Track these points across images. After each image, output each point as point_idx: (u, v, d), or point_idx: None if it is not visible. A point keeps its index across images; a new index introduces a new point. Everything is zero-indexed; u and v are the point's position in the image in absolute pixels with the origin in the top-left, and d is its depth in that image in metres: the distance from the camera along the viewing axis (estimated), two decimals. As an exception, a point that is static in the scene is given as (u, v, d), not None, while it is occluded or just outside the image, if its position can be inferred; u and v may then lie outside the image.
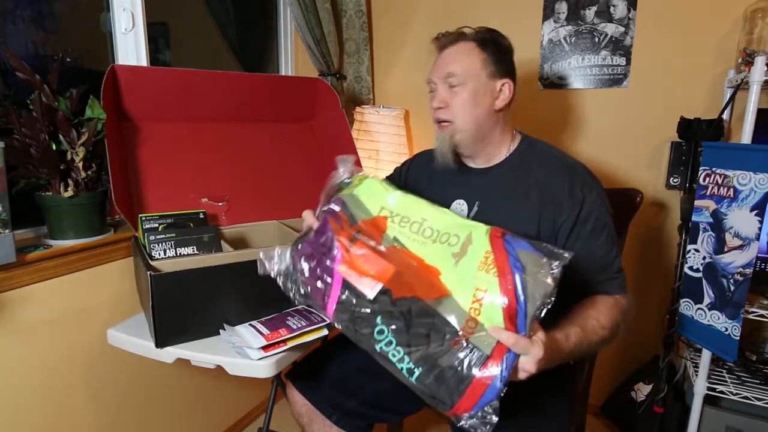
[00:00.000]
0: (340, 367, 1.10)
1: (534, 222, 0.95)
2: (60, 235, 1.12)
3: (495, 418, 0.67)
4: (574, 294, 0.97)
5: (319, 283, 0.77)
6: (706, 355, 1.35)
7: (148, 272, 0.89)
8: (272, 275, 0.81)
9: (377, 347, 0.72)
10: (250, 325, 0.99)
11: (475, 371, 0.67)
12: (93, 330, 1.19)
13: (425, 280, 0.72)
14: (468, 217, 1.03)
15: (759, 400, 1.31)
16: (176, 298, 0.93)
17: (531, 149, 1.04)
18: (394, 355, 0.71)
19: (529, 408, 0.92)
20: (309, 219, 0.86)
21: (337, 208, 0.82)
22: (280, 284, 0.81)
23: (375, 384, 1.06)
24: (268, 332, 0.94)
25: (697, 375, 1.38)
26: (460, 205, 1.05)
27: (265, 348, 0.91)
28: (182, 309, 0.95)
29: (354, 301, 0.74)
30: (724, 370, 1.44)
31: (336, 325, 0.77)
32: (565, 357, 0.79)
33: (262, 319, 1.02)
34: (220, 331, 0.99)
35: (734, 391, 1.34)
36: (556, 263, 0.69)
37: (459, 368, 0.68)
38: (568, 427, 0.98)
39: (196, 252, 1.09)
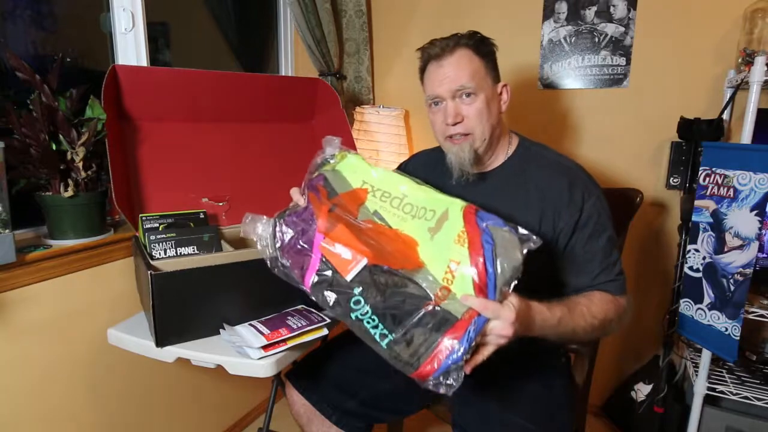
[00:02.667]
0: (340, 368, 1.10)
1: (535, 227, 0.95)
2: (60, 235, 1.12)
3: (457, 382, 0.69)
4: (573, 293, 0.97)
5: (297, 256, 0.80)
6: (706, 355, 1.35)
7: (149, 272, 0.89)
8: (254, 238, 0.84)
9: (352, 315, 0.75)
10: (250, 324, 0.99)
11: (442, 334, 0.70)
12: (93, 330, 1.19)
13: (402, 252, 0.75)
14: None
15: (759, 400, 1.31)
16: (176, 298, 0.93)
17: (528, 152, 1.03)
18: (368, 323, 0.74)
19: (529, 408, 0.92)
20: (295, 196, 0.88)
21: (318, 183, 0.84)
22: (259, 248, 0.83)
23: (374, 384, 1.06)
24: (268, 332, 0.94)
25: (697, 375, 1.38)
26: None
27: (265, 348, 0.91)
28: (182, 309, 0.95)
29: (330, 273, 0.77)
30: (724, 370, 1.44)
31: (311, 297, 0.79)
32: (547, 328, 0.81)
33: (262, 318, 1.02)
34: (220, 330, 0.99)
35: (734, 391, 1.34)
36: (527, 243, 0.73)
37: (427, 332, 0.71)
38: (569, 427, 0.98)
39: (196, 252, 1.09)
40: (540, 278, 0.97)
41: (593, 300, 0.90)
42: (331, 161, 0.88)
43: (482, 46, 0.97)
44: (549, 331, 0.82)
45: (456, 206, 0.78)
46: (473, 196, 1.02)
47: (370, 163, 0.87)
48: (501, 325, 0.71)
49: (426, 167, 1.14)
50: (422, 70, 1.01)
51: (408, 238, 0.77)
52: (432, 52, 0.97)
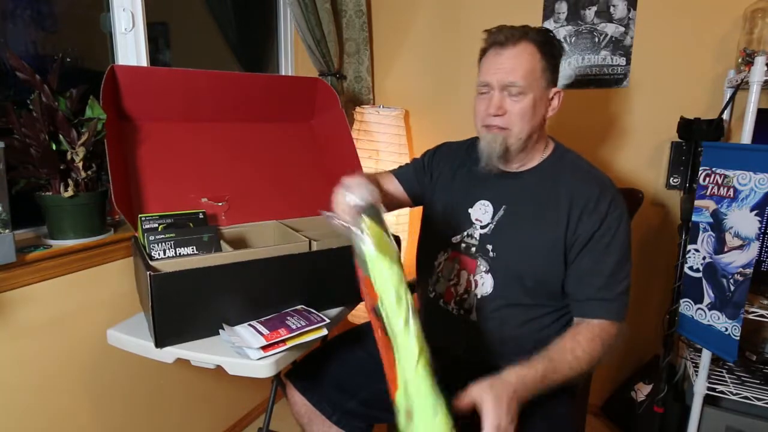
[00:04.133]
0: (340, 367, 1.10)
1: (562, 229, 0.95)
2: (60, 235, 1.12)
3: None
4: (573, 304, 0.97)
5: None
6: (706, 355, 1.35)
7: (148, 272, 0.89)
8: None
9: None
10: (250, 325, 0.99)
11: None
12: (93, 330, 1.19)
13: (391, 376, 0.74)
14: (492, 218, 1.02)
15: (759, 400, 1.30)
16: (176, 298, 0.93)
17: (563, 158, 1.04)
18: None
19: (529, 408, 0.92)
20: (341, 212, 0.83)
21: (356, 260, 0.79)
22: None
23: (375, 384, 1.06)
24: (268, 332, 0.94)
25: (697, 375, 1.38)
26: (485, 206, 1.05)
27: (264, 348, 0.91)
28: (182, 309, 0.95)
29: None
30: (724, 370, 1.44)
31: None
32: (533, 387, 0.82)
33: (262, 319, 1.02)
34: (220, 331, 0.99)
35: (734, 391, 1.34)
36: None
37: None
38: (568, 427, 0.98)
39: (195, 252, 1.09)
40: (542, 284, 0.97)
41: (579, 341, 0.89)
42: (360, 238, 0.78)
43: (548, 46, 0.96)
44: (537, 387, 0.83)
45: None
46: (503, 193, 1.03)
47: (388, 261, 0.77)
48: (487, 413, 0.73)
49: (452, 160, 1.15)
50: (482, 53, 1.01)
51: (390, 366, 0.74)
52: (497, 38, 0.96)
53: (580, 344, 0.88)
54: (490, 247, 1.01)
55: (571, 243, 0.95)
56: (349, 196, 0.81)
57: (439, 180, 1.16)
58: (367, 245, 0.76)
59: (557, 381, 0.85)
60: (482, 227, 1.04)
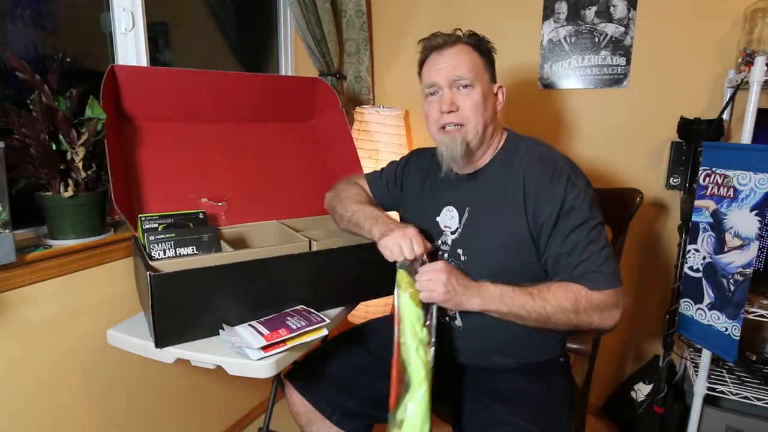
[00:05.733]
0: (340, 368, 1.10)
1: (522, 219, 0.95)
2: (60, 235, 1.12)
3: None
4: None
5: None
6: (706, 355, 1.35)
7: (148, 272, 0.89)
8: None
9: None
10: (250, 325, 0.99)
11: None
12: (93, 330, 1.19)
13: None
14: (460, 222, 1.03)
15: (759, 400, 1.30)
16: (176, 298, 0.93)
17: (516, 146, 1.03)
18: None
19: (529, 408, 0.92)
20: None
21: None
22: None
23: (374, 384, 1.06)
24: (268, 332, 0.94)
25: (697, 375, 1.38)
26: (450, 211, 1.05)
27: (264, 348, 0.91)
28: (182, 309, 0.95)
29: None
30: (724, 370, 1.44)
31: None
32: (490, 296, 0.91)
33: (262, 319, 1.02)
34: (220, 331, 0.99)
35: (734, 391, 1.34)
36: None
37: None
38: (568, 427, 0.98)
39: (195, 252, 1.09)
40: (521, 277, 0.97)
41: (551, 287, 0.90)
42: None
43: (482, 45, 1.00)
44: (495, 301, 0.90)
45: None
46: (465, 195, 1.03)
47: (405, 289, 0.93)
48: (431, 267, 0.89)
49: (421, 169, 1.15)
50: (422, 62, 1.02)
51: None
52: (434, 43, 0.99)
53: (551, 290, 0.90)
54: (460, 251, 1.01)
55: (538, 231, 0.94)
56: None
57: (410, 191, 1.16)
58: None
59: (515, 311, 0.90)
60: (452, 233, 1.04)
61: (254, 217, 1.34)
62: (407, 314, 0.89)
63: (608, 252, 0.93)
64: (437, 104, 0.98)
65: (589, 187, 0.96)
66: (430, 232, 1.06)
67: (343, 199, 1.17)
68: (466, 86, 0.96)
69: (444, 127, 0.99)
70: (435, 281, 0.89)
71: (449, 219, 1.04)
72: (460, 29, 1.01)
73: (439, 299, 0.89)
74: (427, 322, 0.90)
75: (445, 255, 1.04)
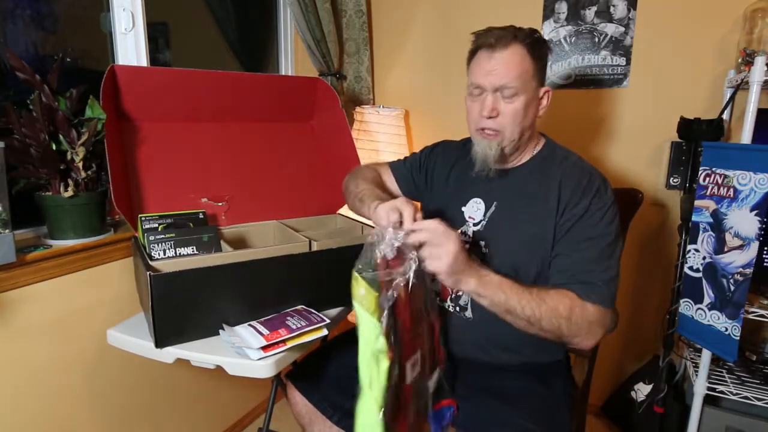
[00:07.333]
0: (340, 367, 1.10)
1: (551, 221, 0.96)
2: (60, 235, 1.12)
3: None
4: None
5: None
6: (706, 355, 1.35)
7: (148, 272, 0.89)
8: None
9: None
10: (250, 325, 0.99)
11: None
12: (93, 330, 1.19)
13: None
14: (485, 215, 1.03)
15: (759, 400, 1.30)
16: (176, 298, 0.93)
17: (553, 153, 1.04)
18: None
19: (529, 408, 0.92)
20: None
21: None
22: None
23: (375, 384, 1.06)
24: (268, 332, 0.94)
25: (697, 375, 1.38)
26: (477, 203, 1.05)
27: (264, 348, 0.91)
28: (182, 309, 0.95)
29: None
30: (724, 370, 1.44)
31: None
32: (487, 284, 0.85)
33: (262, 319, 1.02)
34: (220, 331, 0.99)
35: (734, 391, 1.34)
36: None
37: None
38: (568, 427, 0.98)
39: (195, 252, 1.09)
40: (540, 279, 0.97)
41: (549, 291, 0.89)
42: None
43: (537, 48, 0.96)
44: (492, 287, 0.85)
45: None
46: (495, 190, 1.04)
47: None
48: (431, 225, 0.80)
49: (447, 161, 1.16)
50: (471, 54, 1.00)
51: None
52: (486, 41, 0.95)
53: (550, 293, 0.88)
54: (482, 243, 1.02)
55: (560, 230, 0.95)
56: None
57: (435, 179, 1.17)
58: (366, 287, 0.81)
59: (511, 302, 0.85)
60: (474, 224, 1.04)
61: (254, 217, 1.34)
62: (363, 325, 0.79)
63: (614, 273, 0.92)
64: (479, 105, 0.97)
65: (614, 206, 0.96)
66: (452, 220, 1.05)
67: (357, 178, 1.18)
68: (510, 95, 0.94)
69: (482, 129, 0.99)
70: (445, 251, 0.80)
71: (475, 210, 1.05)
72: (516, 26, 0.97)
73: (442, 270, 0.81)
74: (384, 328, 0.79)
75: (466, 246, 1.03)
